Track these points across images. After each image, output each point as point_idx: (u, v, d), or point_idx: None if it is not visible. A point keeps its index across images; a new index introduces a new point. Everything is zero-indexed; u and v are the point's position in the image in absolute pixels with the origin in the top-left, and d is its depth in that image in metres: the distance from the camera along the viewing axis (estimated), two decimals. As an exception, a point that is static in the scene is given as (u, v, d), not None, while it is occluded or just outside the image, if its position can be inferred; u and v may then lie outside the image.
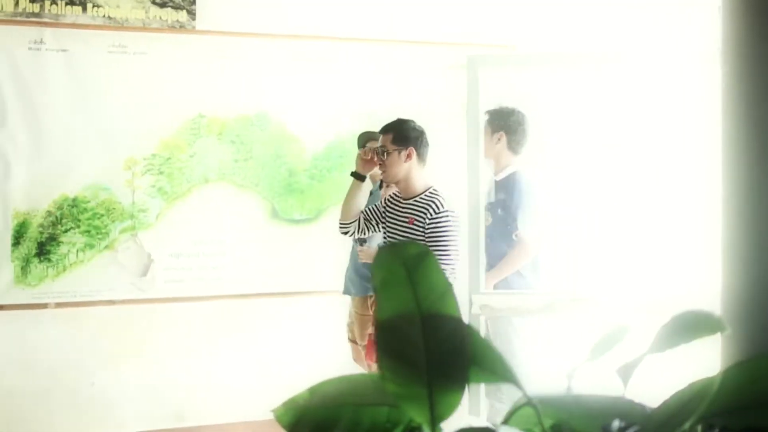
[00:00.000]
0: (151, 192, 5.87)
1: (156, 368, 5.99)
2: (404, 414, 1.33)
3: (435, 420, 1.29)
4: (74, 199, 5.73)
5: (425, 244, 4.21)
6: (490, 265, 5.04)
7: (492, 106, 5.20)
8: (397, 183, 4.76)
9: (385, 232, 4.81)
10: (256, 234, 6.11)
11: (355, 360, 5.84)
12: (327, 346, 6.10)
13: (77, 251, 5.77)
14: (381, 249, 1.29)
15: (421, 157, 4.69)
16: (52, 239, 5.72)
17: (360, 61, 6.30)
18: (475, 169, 5.43)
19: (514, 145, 5.18)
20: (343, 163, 6.17)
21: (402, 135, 4.66)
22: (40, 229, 5.69)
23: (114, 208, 5.79)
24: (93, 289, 5.79)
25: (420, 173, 4.69)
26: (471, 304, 5.44)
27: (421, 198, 4.61)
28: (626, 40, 6.27)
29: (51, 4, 5.69)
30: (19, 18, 5.65)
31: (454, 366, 1.29)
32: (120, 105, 5.81)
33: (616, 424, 1.30)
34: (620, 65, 5.74)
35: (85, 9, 5.75)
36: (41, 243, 5.70)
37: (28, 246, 5.68)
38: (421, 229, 4.51)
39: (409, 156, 4.63)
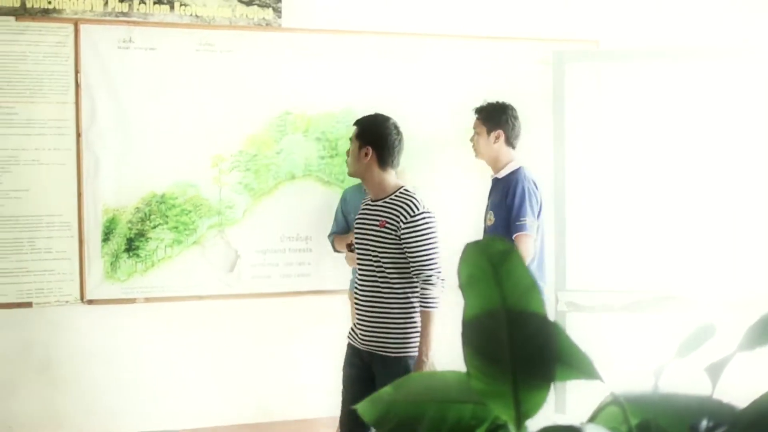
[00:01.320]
0: (237, 189, 5.94)
1: (241, 363, 6.05)
2: (489, 411, 1.32)
3: (520, 418, 1.27)
4: (162, 196, 5.80)
5: (400, 248, 4.17)
6: None
7: (480, 104, 5.20)
8: (364, 183, 4.53)
9: (355, 236, 4.48)
10: (342, 229, 6.15)
11: None
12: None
13: (165, 247, 5.84)
14: (467, 245, 1.26)
15: (382, 157, 4.33)
16: (141, 235, 5.79)
17: (445, 57, 6.32)
18: (561, 165, 5.48)
19: (512, 141, 5.13)
20: (419, 161, 6.22)
21: (364, 132, 4.39)
22: (129, 225, 5.77)
23: (201, 205, 5.85)
24: (180, 285, 5.86)
25: (386, 174, 4.34)
26: (557, 301, 5.49)
27: (391, 199, 4.26)
28: (711, 35, 6.30)
29: (139, 4, 5.77)
30: (108, 17, 5.74)
31: (540, 363, 1.26)
32: (207, 102, 5.88)
33: (704, 423, 1.27)
34: (706, 60, 5.78)
35: (172, 8, 5.83)
36: (130, 239, 5.77)
37: (118, 242, 5.76)
38: (393, 232, 4.17)
39: (366, 155, 4.32)
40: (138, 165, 5.73)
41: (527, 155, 6.08)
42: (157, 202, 5.78)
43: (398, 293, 4.20)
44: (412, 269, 4.15)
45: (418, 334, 4.15)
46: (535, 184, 4.98)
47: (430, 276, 4.11)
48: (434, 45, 6.29)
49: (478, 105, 5.18)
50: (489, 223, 5.07)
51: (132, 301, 5.77)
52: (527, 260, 4.74)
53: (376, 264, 4.23)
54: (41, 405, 5.71)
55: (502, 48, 6.40)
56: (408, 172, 5.39)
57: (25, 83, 5.63)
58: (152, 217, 5.78)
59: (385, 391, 1.40)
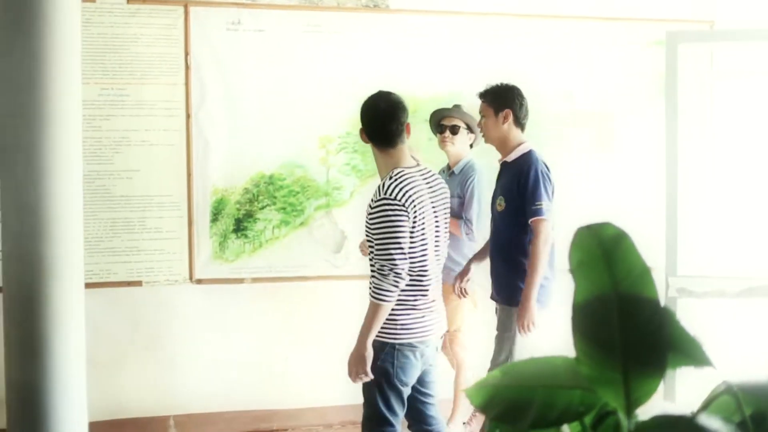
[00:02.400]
0: (345, 170, 5.96)
1: (347, 344, 6.07)
2: (598, 398, 1.30)
3: (630, 405, 1.26)
4: (270, 177, 5.84)
5: None
6: (500, 252, 4.89)
7: (484, 87, 5.01)
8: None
9: None
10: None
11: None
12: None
13: (273, 228, 5.88)
14: (578, 230, 1.26)
15: (375, 139, 4.12)
16: (249, 216, 5.84)
17: (555, 38, 6.28)
18: (673, 149, 5.41)
19: (521, 121, 4.92)
20: (538, 143, 6.19)
21: (361, 116, 4.22)
22: (238, 205, 5.82)
23: (309, 186, 5.88)
24: (288, 265, 5.90)
25: (385, 156, 4.11)
26: (668, 287, 5.43)
27: (380, 184, 4.04)
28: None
29: (248, -14, 5.82)
30: (219, 0, 5.78)
31: (652, 350, 1.25)
32: (315, 84, 5.90)
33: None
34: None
35: (281, -10, 5.87)
36: (238, 219, 5.82)
37: (226, 222, 5.82)
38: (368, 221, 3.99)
39: (365, 140, 4.17)
40: (246, 146, 5.77)
41: (638, 138, 6.05)
42: (265, 182, 5.83)
43: None
44: (374, 257, 3.95)
45: (391, 320, 3.98)
46: (546, 167, 4.79)
47: (383, 266, 3.88)
48: (543, 25, 6.24)
49: (481, 89, 5.00)
50: (499, 208, 4.86)
51: (240, 281, 5.82)
52: (547, 245, 4.61)
53: (369, 250, 4.09)
54: (149, 383, 5.79)
55: (613, 29, 6.32)
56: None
57: (135, 65, 5.70)
58: (260, 197, 5.83)
59: (492, 375, 1.40)
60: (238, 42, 5.83)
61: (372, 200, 3.96)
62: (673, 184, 5.42)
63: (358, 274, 5.93)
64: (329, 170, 5.93)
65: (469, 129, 5.61)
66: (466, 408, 5.74)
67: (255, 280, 5.85)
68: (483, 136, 5.08)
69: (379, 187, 3.96)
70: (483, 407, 1.39)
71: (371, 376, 3.95)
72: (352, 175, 5.96)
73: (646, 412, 1.27)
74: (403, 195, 3.90)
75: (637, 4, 6.34)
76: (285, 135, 5.84)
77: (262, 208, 5.83)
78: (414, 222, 3.92)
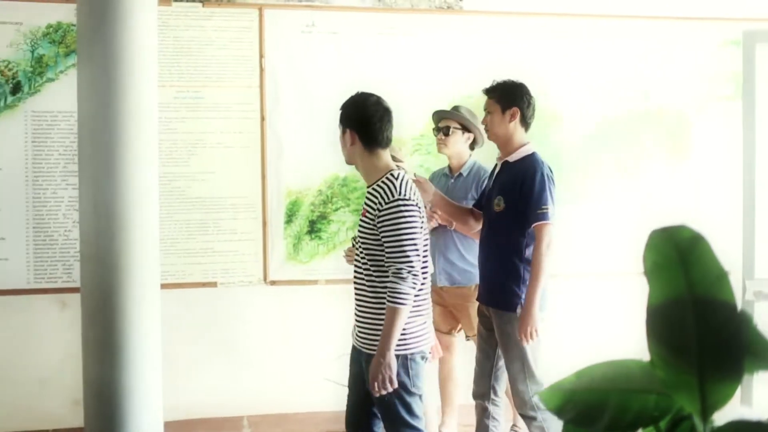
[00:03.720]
0: (418, 172, 5.93)
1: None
2: (673, 402, 1.28)
3: (706, 410, 1.24)
4: (344, 179, 5.86)
5: (378, 238, 3.82)
6: (495, 254, 4.70)
7: (491, 83, 4.84)
8: (357, 169, 4.14)
9: None
10: (522, 213, 6.12)
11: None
12: (594, 328, 6.10)
13: (347, 229, 5.90)
14: (653, 232, 1.24)
15: (367, 139, 3.96)
16: (323, 217, 5.87)
17: (629, 38, 6.22)
18: (751, 149, 5.31)
19: (528, 121, 4.75)
20: (612, 144, 6.17)
21: (344, 116, 4.06)
22: (312, 207, 5.85)
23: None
24: (361, 267, 5.90)
25: (375, 157, 3.98)
26: (744, 290, 5.32)
27: (376, 185, 3.91)
28: None
29: (322, -12, 5.85)
30: (292, 2, 5.83)
31: (728, 354, 1.23)
32: (388, 86, 5.87)
33: None
34: None
35: (355, -8, 5.90)
36: (312, 221, 5.85)
37: (300, 224, 5.85)
38: (371, 221, 3.86)
39: (351, 139, 3.99)
40: (320, 148, 5.79)
41: (714, 139, 5.96)
42: (339, 184, 5.85)
43: (378, 288, 3.87)
44: (385, 261, 3.81)
45: (403, 332, 3.82)
46: (551, 170, 4.63)
47: (401, 269, 3.73)
48: (615, 26, 6.20)
49: (487, 85, 4.84)
50: (497, 209, 4.66)
51: (314, 282, 5.84)
52: (550, 250, 4.46)
53: (361, 256, 3.96)
54: (223, 383, 5.83)
55: (687, 28, 6.25)
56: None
57: (211, 68, 5.77)
58: (334, 199, 5.85)
59: (567, 379, 1.38)
60: (312, 44, 5.86)
61: (376, 203, 3.83)
62: (750, 185, 5.32)
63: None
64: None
65: (465, 129, 5.47)
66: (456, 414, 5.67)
67: (329, 281, 5.88)
68: (486, 132, 4.90)
69: (384, 189, 3.83)
70: (557, 411, 1.38)
71: (396, 385, 3.80)
72: (425, 176, 5.92)
73: (722, 417, 1.25)
74: (414, 195, 3.88)
75: (713, 4, 6.24)
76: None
77: (336, 209, 5.86)
78: (422, 223, 3.89)
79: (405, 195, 3.81)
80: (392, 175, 3.89)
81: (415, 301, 3.85)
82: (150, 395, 4.19)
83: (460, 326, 5.58)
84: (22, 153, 5.56)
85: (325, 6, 5.84)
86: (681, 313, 1.24)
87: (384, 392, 3.79)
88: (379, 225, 3.79)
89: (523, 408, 4.63)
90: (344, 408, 5.61)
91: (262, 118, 5.78)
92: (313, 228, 5.84)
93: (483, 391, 4.85)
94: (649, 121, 6.14)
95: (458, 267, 5.42)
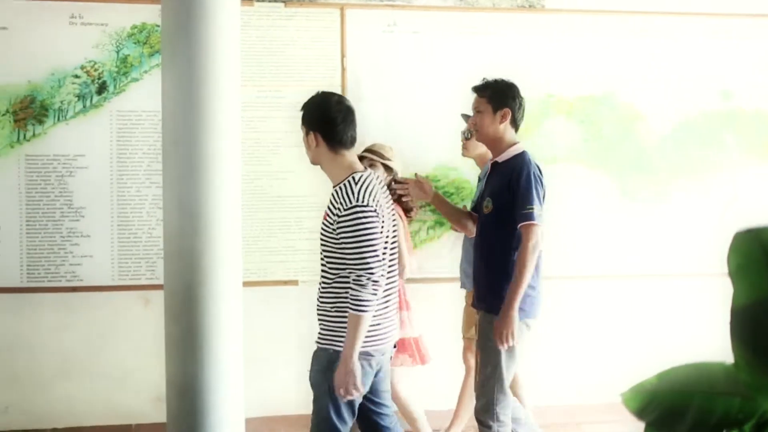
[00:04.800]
0: (496, 171, 5.93)
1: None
2: (759, 405, 1.25)
3: None
4: (425, 178, 5.82)
5: (337, 241, 3.76)
6: (483, 257, 4.58)
7: (480, 81, 4.69)
8: (323, 170, 4.06)
9: None
10: (606, 213, 6.09)
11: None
12: (675, 330, 6.03)
13: (428, 229, 5.90)
14: (737, 234, 1.21)
15: (330, 139, 3.92)
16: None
17: (712, 36, 6.15)
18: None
19: (518, 122, 4.62)
20: (694, 143, 6.08)
21: (307, 117, 4.00)
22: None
23: (463, 187, 5.87)
24: (441, 266, 5.91)
25: (339, 157, 3.94)
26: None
27: (338, 187, 3.87)
28: None
29: (404, -12, 5.85)
30: (373, 2, 5.84)
31: None
32: (470, 85, 5.87)
33: None
34: None
35: (436, -9, 5.90)
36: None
37: (391, 224, 5.86)
38: (331, 225, 3.83)
39: (314, 140, 3.92)
40: (401, 147, 5.76)
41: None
42: (420, 184, 5.83)
43: (332, 286, 3.86)
44: (347, 267, 3.76)
45: (344, 329, 3.79)
46: (539, 170, 4.48)
47: (360, 276, 3.69)
48: (699, 24, 6.13)
49: (477, 83, 4.71)
50: (486, 210, 4.56)
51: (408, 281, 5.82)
52: (535, 252, 4.30)
53: (322, 256, 3.94)
54: (304, 380, 5.82)
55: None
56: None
57: (292, 67, 5.81)
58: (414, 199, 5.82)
59: (648, 381, 1.37)
60: (394, 44, 5.88)
61: (336, 207, 3.81)
62: None
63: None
64: (483, 172, 5.90)
65: None
66: (468, 415, 5.58)
67: (408, 280, 5.83)
68: (476, 132, 4.80)
69: (343, 192, 3.80)
70: (639, 413, 1.37)
71: (362, 390, 3.79)
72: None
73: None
74: (373, 199, 3.77)
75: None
76: (439, 136, 5.84)
77: (419, 208, 5.84)
78: (382, 226, 3.81)
79: (363, 201, 3.74)
80: (353, 178, 3.84)
81: None
82: (232, 392, 4.22)
83: None
84: (107, 152, 5.65)
85: (406, 5, 5.85)
86: (766, 315, 1.22)
87: (350, 397, 3.77)
88: (337, 230, 3.76)
89: (483, 414, 4.50)
90: (427, 407, 5.66)
91: (343, 118, 5.78)
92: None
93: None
94: (729, 120, 6.06)
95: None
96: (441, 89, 5.85)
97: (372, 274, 3.69)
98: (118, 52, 5.64)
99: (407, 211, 5.33)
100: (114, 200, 5.65)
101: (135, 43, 5.66)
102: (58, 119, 5.59)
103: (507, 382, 4.45)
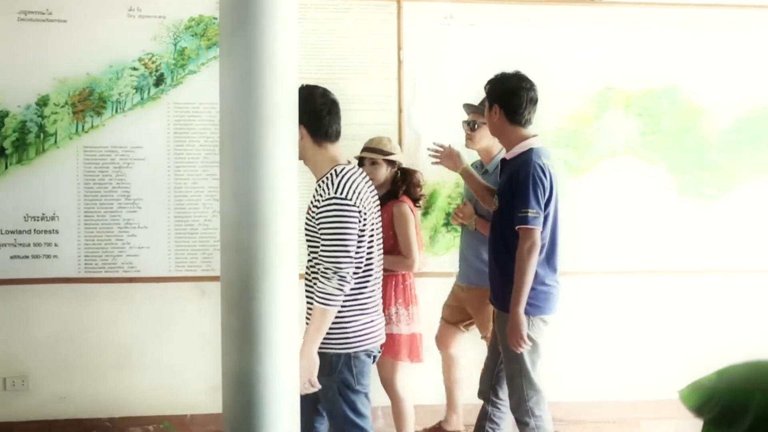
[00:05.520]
0: (556, 164, 5.86)
1: (548, 340, 6.01)
2: None
3: None
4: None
5: (318, 235, 3.74)
6: (493, 254, 4.59)
7: (493, 75, 4.64)
8: (305, 164, 3.99)
9: None
10: (664, 208, 6.03)
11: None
12: (735, 327, 5.96)
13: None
14: None
15: (314, 133, 3.93)
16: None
17: (775, 27, 6.04)
18: None
19: (516, 117, 4.54)
20: (756, 138, 5.99)
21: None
22: (449, 199, 5.85)
23: (520, 180, 5.83)
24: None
25: (322, 151, 3.93)
26: None
27: (321, 180, 3.87)
28: None
29: (461, -20, 5.83)
30: (431, -5, 5.83)
31: None
32: (526, 78, 5.86)
33: None
34: None
35: (487, -17, 5.88)
36: (449, 213, 5.83)
37: (437, 216, 5.86)
38: (312, 219, 3.82)
39: (301, 135, 3.81)
40: (458, 140, 5.75)
41: None
42: (475, 176, 5.80)
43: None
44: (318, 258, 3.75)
45: (341, 329, 3.79)
46: (542, 170, 4.37)
47: (327, 269, 3.70)
48: (763, 16, 6.04)
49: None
50: (494, 208, 4.60)
51: (449, 275, 5.79)
52: (531, 256, 4.26)
53: (308, 252, 3.93)
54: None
55: None
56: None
57: (349, 60, 5.81)
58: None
59: (707, 378, 1.35)
60: (450, 36, 5.86)
61: (316, 198, 3.81)
62: None
63: (570, 271, 5.85)
64: (540, 165, 5.86)
65: None
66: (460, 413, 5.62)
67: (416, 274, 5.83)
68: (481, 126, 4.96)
69: (324, 184, 3.80)
70: (697, 410, 1.35)
71: (318, 387, 3.77)
72: (563, 169, 5.87)
73: None
74: (353, 193, 3.76)
75: None
76: (495, 129, 5.79)
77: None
78: (364, 222, 3.77)
79: (341, 194, 3.74)
80: (335, 171, 3.84)
81: (359, 299, 3.84)
82: (287, 384, 4.23)
83: (469, 321, 5.55)
84: (165, 144, 5.69)
85: (464, -2, 5.83)
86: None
87: (308, 393, 3.75)
88: (316, 222, 3.77)
89: (517, 411, 4.53)
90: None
91: (400, 110, 5.80)
92: (450, 220, 5.81)
93: (484, 390, 4.78)
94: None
95: (475, 267, 5.39)
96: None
97: (339, 269, 3.69)
98: (175, 45, 5.67)
99: (416, 200, 5.33)
100: (171, 192, 5.68)
101: (192, 35, 5.68)
102: (116, 111, 5.63)
103: (535, 377, 4.47)
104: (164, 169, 5.67)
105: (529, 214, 4.27)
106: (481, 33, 5.86)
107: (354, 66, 5.78)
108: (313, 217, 3.80)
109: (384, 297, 4.92)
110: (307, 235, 3.89)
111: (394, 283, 5.17)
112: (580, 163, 5.86)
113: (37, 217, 5.60)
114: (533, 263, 4.29)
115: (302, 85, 4.02)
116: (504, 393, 4.73)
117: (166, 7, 5.66)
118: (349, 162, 4.04)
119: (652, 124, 5.95)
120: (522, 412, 4.49)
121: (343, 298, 3.75)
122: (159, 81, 5.65)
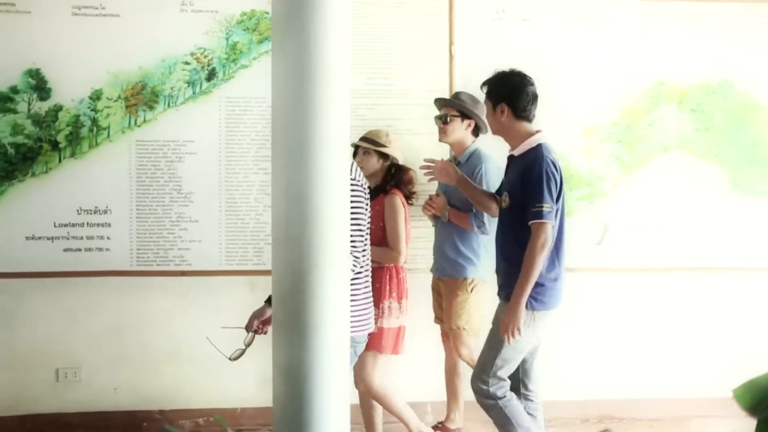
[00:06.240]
0: (608, 160, 5.86)
1: (604, 337, 6.00)
2: None
3: None
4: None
5: None
6: (503, 250, 4.57)
7: (491, 74, 4.62)
8: None
9: None
10: (716, 205, 5.98)
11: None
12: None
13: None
14: None
15: None
16: (511, 205, 5.81)
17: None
18: None
19: (522, 114, 4.55)
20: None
21: None
22: (500, 195, 5.80)
23: (571, 176, 5.80)
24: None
25: None
26: None
27: None
28: None
29: (512, -25, 5.80)
30: (483, -11, 5.81)
31: None
32: (579, 73, 5.83)
33: None
34: None
35: (543, -22, 5.84)
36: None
37: (493, 211, 5.83)
38: None
39: None
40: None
41: None
42: (528, 170, 5.78)
43: None
44: None
45: (365, 313, 3.86)
46: (554, 164, 4.40)
47: None
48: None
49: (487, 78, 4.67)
50: (504, 205, 4.56)
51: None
52: (544, 251, 4.27)
53: None
54: (410, 369, 5.80)
55: None
56: None
57: (401, 54, 5.81)
58: (522, 187, 5.78)
59: (763, 377, 1.33)
60: (502, 31, 5.85)
61: None
62: None
63: (621, 268, 5.83)
64: (592, 160, 5.83)
65: (465, 116, 5.33)
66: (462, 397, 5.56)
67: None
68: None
69: None
70: (751, 409, 1.33)
71: None
72: (615, 165, 5.86)
73: None
74: (360, 176, 3.84)
75: None
76: (548, 124, 5.70)
77: (524, 197, 5.79)
78: (367, 206, 3.83)
79: (353, 175, 3.81)
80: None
81: (360, 284, 3.89)
82: (338, 378, 4.23)
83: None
84: (216, 138, 5.71)
85: (515, -8, 5.80)
86: None
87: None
88: None
89: (479, 396, 4.56)
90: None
91: (451, 105, 5.76)
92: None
93: (513, 387, 4.70)
94: None
95: (450, 259, 5.39)
96: (551, 76, 5.78)
97: (354, 248, 3.75)
98: (227, 39, 5.69)
99: (408, 197, 5.31)
100: (222, 186, 5.71)
101: (244, 30, 5.70)
102: (168, 105, 5.66)
103: (503, 368, 4.49)
104: (215, 163, 5.70)
105: (544, 209, 4.29)
106: (534, 27, 5.85)
107: (405, 60, 5.78)
108: None
109: (379, 290, 4.97)
110: None
111: (388, 276, 5.17)
112: (633, 159, 5.83)
113: (90, 210, 5.64)
114: (543, 259, 4.30)
115: None
116: (533, 384, 4.75)
117: (218, 2, 5.69)
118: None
119: (705, 120, 5.90)
120: (484, 396, 4.54)
121: (351, 276, 3.76)
122: (211, 75, 5.67)
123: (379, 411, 5.30)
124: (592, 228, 5.87)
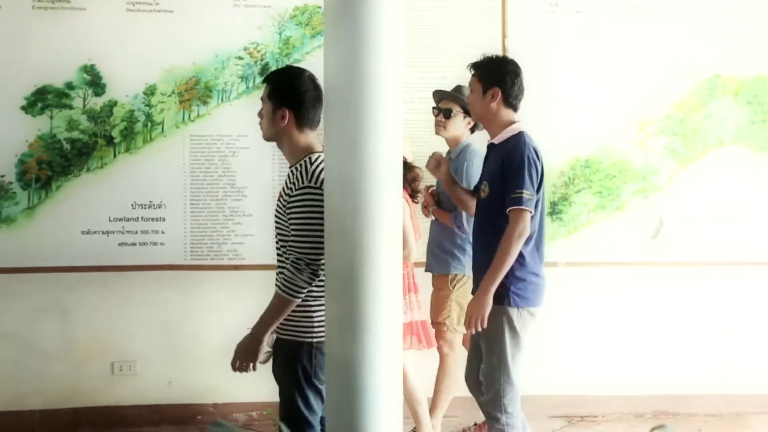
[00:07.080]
0: (663, 153, 5.81)
1: (658, 332, 5.94)
2: None
3: None
4: (587, 160, 5.79)
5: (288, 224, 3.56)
6: (481, 243, 4.39)
7: (478, 58, 4.45)
8: (279, 147, 3.83)
9: None
10: (770, 199, 5.90)
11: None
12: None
13: (588, 212, 5.81)
14: None
15: (300, 118, 3.70)
16: (564, 199, 5.80)
17: None
18: None
19: (511, 101, 4.40)
20: None
21: (280, 93, 3.74)
22: (553, 188, 5.78)
23: (626, 170, 5.77)
24: (603, 250, 5.82)
25: (302, 136, 3.72)
26: None
27: (294, 167, 3.68)
28: None
29: (570, -32, 5.77)
30: (534, -17, 5.77)
31: None
32: (633, 65, 5.79)
33: None
34: None
35: (601, -30, 5.79)
36: (554, 202, 5.79)
37: (541, 205, 5.79)
38: (284, 207, 3.65)
39: (283, 117, 3.68)
40: (563, 129, 5.73)
41: None
42: (581, 166, 5.78)
43: None
44: (287, 248, 3.62)
45: (307, 318, 3.65)
46: (536, 153, 4.25)
47: (299, 260, 3.55)
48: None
49: (475, 60, 4.50)
50: (483, 195, 4.39)
51: (554, 264, 5.69)
52: (521, 239, 4.11)
53: (276, 240, 3.79)
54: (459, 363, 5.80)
55: None
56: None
57: (453, 48, 5.78)
58: (576, 181, 5.77)
59: None
60: (556, 24, 5.82)
61: (289, 186, 3.64)
62: None
63: (676, 261, 5.76)
64: (647, 154, 5.79)
65: (467, 113, 5.18)
66: (445, 405, 5.42)
67: (569, 264, 5.78)
68: (471, 112, 4.73)
69: (298, 171, 3.63)
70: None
71: (254, 371, 3.67)
72: (670, 158, 5.80)
73: None
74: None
75: None
76: (602, 118, 5.76)
77: (578, 191, 5.79)
78: None
79: (316, 183, 3.59)
80: (309, 158, 3.66)
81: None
82: (391, 372, 4.22)
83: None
84: (270, 132, 5.71)
85: (569, -15, 5.76)
86: None
87: (241, 373, 3.67)
88: (287, 211, 3.62)
89: (490, 406, 4.35)
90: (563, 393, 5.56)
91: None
92: (554, 209, 5.79)
93: (472, 387, 4.61)
94: None
95: (436, 255, 5.36)
96: (604, 69, 5.77)
97: (312, 260, 3.57)
98: (280, 34, 5.70)
99: (413, 194, 5.25)
100: (275, 180, 5.72)
101: (297, 24, 5.71)
102: (222, 100, 5.69)
103: (513, 373, 4.30)
104: (269, 157, 5.70)
105: (524, 195, 4.13)
106: (588, 20, 5.81)
107: (458, 54, 5.69)
108: (284, 205, 3.67)
109: None
110: (276, 223, 3.76)
111: None
112: (688, 152, 5.77)
113: (145, 204, 5.68)
114: (518, 248, 4.14)
115: (287, 66, 4.09)
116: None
117: (271, -3, 5.70)
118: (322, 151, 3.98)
119: (762, 112, 5.84)
120: (495, 407, 4.32)
121: (307, 290, 3.62)
122: (264, 70, 5.68)
123: (424, 406, 5.25)
124: (646, 222, 5.79)
